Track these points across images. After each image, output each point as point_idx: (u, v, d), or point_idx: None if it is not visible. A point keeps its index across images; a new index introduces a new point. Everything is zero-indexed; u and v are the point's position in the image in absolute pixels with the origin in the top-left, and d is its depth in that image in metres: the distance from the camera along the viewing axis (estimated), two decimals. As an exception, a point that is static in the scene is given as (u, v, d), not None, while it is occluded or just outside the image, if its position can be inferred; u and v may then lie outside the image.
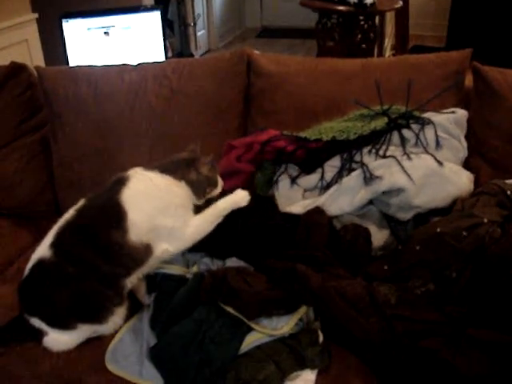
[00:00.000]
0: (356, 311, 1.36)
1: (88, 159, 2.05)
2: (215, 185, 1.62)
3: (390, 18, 5.19)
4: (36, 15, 3.39)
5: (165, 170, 1.53)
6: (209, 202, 1.59)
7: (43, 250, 1.45)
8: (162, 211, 1.47)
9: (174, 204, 1.50)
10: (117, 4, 3.65)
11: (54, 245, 1.44)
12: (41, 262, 1.45)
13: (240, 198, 1.61)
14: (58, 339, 1.47)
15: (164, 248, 1.49)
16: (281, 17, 7.50)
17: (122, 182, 1.48)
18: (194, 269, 1.57)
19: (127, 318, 1.53)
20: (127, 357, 1.44)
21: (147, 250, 1.46)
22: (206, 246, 1.60)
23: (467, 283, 1.39)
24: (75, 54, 3.03)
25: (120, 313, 1.49)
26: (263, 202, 1.75)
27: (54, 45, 3.30)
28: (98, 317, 1.46)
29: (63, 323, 1.45)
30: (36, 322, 1.45)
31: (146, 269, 1.51)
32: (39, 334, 1.45)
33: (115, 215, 1.43)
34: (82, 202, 1.51)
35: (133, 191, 1.47)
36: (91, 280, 1.42)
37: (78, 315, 1.44)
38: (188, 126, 2.03)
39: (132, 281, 1.49)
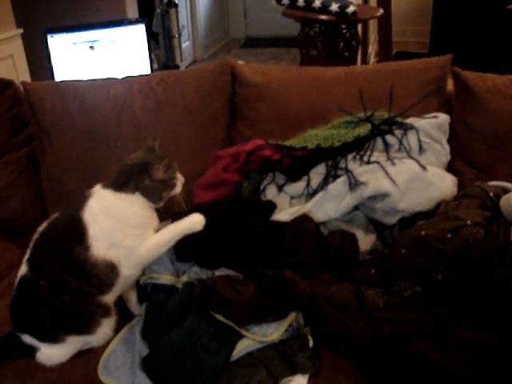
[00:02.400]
0: (345, 315, 1.38)
1: (76, 173, 2.06)
2: (173, 187, 1.59)
3: (373, 25, 5.23)
4: (21, 30, 3.40)
5: (118, 185, 1.51)
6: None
7: (23, 265, 1.48)
8: (119, 231, 1.49)
9: (129, 225, 1.50)
10: (101, 18, 3.67)
11: (29, 260, 1.48)
12: (21, 278, 1.48)
13: (195, 222, 1.58)
14: (50, 353, 1.47)
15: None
16: (265, 26, 7.52)
17: (85, 199, 1.51)
18: (184, 278, 1.58)
19: (117, 328, 1.53)
20: (120, 367, 1.44)
21: (113, 269, 1.47)
22: (194, 255, 1.62)
23: (453, 284, 1.41)
24: (61, 68, 3.03)
25: (108, 323, 1.50)
26: (252, 207, 1.76)
27: (39, 60, 3.31)
28: (85, 328, 1.47)
29: (52, 337, 1.46)
30: (27, 338, 1.46)
31: (119, 288, 1.52)
32: (31, 350, 1.46)
33: (77, 231, 1.45)
34: (55, 215, 1.55)
35: (93, 208, 1.49)
36: (65, 294, 1.44)
37: (63, 328, 1.45)
38: (174, 138, 2.03)
39: (110, 298, 1.51)
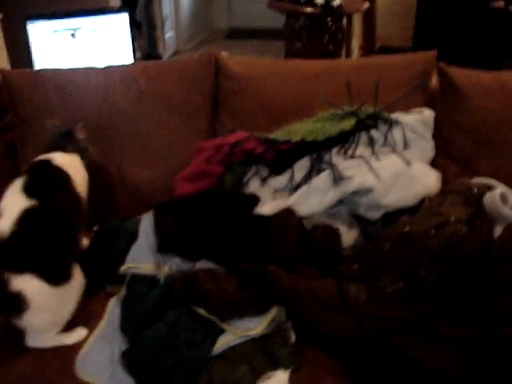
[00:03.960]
0: (327, 311, 1.38)
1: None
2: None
3: (357, 18, 5.23)
4: (0, 16, 3.34)
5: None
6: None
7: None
8: None
9: None
10: (84, 6, 3.61)
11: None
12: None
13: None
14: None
15: None
16: (249, 18, 7.50)
17: None
18: (166, 270, 1.57)
19: (94, 324, 1.52)
20: (99, 362, 1.42)
21: None
22: (176, 247, 1.61)
23: (436, 281, 1.42)
24: (41, 56, 2.98)
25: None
26: (235, 200, 1.75)
27: (18, 47, 3.26)
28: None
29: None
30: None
31: None
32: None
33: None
34: None
35: None
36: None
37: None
38: (157, 129, 2.02)
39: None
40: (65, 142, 1.76)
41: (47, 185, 1.59)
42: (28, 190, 1.51)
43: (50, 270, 1.43)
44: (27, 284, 1.38)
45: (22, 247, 1.43)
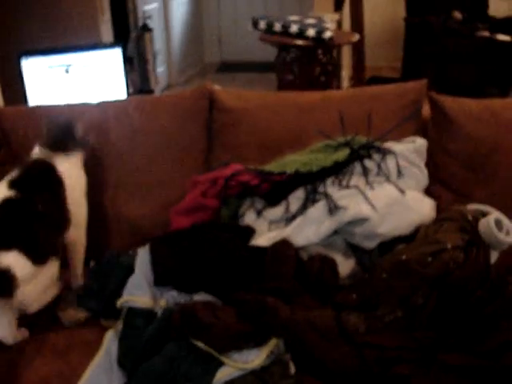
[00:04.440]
0: (326, 341, 1.37)
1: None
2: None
3: (346, 50, 5.30)
4: (-6, 52, 3.37)
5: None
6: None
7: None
8: None
9: None
10: (77, 42, 3.65)
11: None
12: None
13: None
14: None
15: None
16: (239, 51, 7.57)
17: None
18: (162, 303, 1.56)
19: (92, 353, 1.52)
20: (96, 398, 1.41)
21: None
22: (172, 280, 1.61)
23: (434, 308, 1.42)
24: (35, 92, 3.00)
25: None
26: (231, 232, 1.75)
27: (12, 83, 3.27)
28: None
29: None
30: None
31: None
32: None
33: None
34: None
35: None
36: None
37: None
38: (152, 164, 2.03)
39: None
40: (65, 141, 1.77)
41: (32, 182, 1.66)
42: (13, 183, 1.62)
43: (32, 249, 1.51)
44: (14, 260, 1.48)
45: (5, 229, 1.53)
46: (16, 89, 3.08)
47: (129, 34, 4.93)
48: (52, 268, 1.59)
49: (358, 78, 5.22)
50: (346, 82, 5.57)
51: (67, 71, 3.01)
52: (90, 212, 1.85)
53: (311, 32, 3.80)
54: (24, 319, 1.61)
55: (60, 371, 1.49)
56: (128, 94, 3.20)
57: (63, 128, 1.79)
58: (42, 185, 1.67)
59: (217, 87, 2.18)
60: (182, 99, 2.15)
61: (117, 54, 3.12)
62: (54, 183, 1.69)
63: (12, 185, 1.61)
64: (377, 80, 5.70)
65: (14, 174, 1.66)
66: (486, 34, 5.28)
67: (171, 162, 2.05)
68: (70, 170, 1.75)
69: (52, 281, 1.61)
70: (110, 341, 1.55)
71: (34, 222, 1.57)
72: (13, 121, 2.06)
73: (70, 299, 1.71)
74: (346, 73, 5.56)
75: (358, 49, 5.03)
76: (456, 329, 1.36)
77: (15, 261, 1.47)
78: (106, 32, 4.33)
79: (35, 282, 1.52)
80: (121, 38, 4.58)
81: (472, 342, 1.31)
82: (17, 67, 2.97)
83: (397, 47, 6.08)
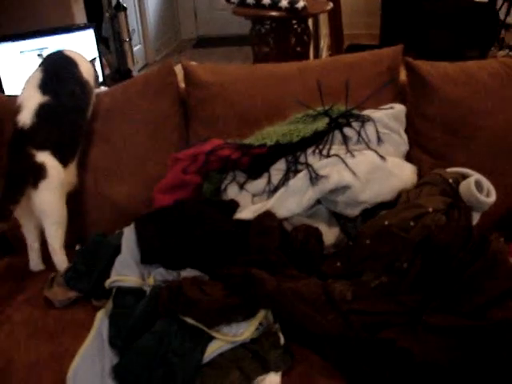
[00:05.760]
0: (314, 310, 1.38)
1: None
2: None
3: (323, 19, 5.26)
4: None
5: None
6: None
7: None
8: None
9: None
10: (48, 25, 3.59)
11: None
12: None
13: None
14: None
15: None
16: (215, 26, 7.51)
17: None
18: (150, 280, 1.57)
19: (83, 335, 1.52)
20: (89, 378, 1.40)
21: None
22: (159, 257, 1.61)
23: (418, 272, 1.43)
24: (9, 78, 2.96)
25: None
26: (214, 207, 1.75)
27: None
28: None
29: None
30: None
31: None
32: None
33: None
34: None
35: None
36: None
37: None
38: (127, 145, 2.02)
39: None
40: None
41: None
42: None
43: (61, 153, 1.81)
44: (47, 157, 1.76)
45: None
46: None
47: (102, 14, 4.85)
48: (72, 170, 1.89)
49: (337, 47, 5.20)
50: (324, 51, 5.54)
51: (40, 55, 2.97)
52: (73, 197, 1.87)
53: (284, 3, 3.77)
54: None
55: (52, 353, 1.49)
56: (104, 75, 3.17)
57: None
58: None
59: (192, 63, 2.16)
60: (149, 77, 2.15)
61: (90, 35, 3.08)
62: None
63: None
64: (355, 48, 5.68)
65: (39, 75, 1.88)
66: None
67: (147, 140, 2.04)
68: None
69: (68, 187, 1.86)
70: (101, 321, 1.56)
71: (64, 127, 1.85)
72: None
73: (59, 280, 1.71)
74: (324, 42, 5.53)
75: (335, 17, 5.00)
76: (440, 291, 1.37)
77: (48, 159, 1.76)
78: (79, 13, 4.26)
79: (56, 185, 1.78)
80: (95, 18, 4.52)
81: (456, 303, 1.33)
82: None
83: (375, 14, 6.06)
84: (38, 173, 1.73)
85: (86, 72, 1.98)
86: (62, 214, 1.80)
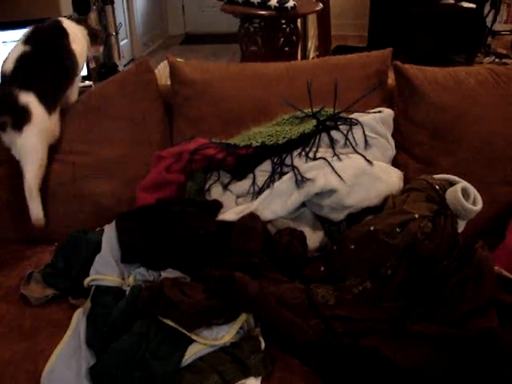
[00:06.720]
0: (296, 315, 1.36)
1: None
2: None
3: (312, 19, 5.26)
4: None
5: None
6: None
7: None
8: None
9: None
10: (34, 16, 3.54)
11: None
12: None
13: None
14: None
15: None
16: (203, 23, 7.49)
17: None
18: (131, 280, 1.54)
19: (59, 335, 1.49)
20: (65, 379, 1.37)
21: None
22: (140, 257, 1.59)
23: (403, 279, 1.42)
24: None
25: None
26: (197, 207, 1.73)
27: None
28: None
29: None
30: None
31: None
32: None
33: None
34: None
35: None
36: None
37: None
38: (108, 143, 1.99)
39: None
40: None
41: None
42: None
43: (45, 97, 1.83)
44: (31, 99, 1.79)
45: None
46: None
47: (89, 8, 4.81)
48: (55, 121, 1.92)
49: (324, 48, 5.20)
50: (312, 52, 5.54)
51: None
52: (51, 195, 1.86)
53: (273, 1, 3.75)
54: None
55: (27, 352, 1.46)
56: (89, 69, 3.13)
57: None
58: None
59: (178, 60, 2.14)
60: (127, 75, 2.13)
61: (76, 27, 3.02)
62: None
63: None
64: (343, 49, 5.69)
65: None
66: (451, 0, 5.31)
67: (128, 138, 2.01)
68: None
69: (51, 138, 1.90)
70: (79, 320, 1.53)
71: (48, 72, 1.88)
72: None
73: (36, 277, 1.68)
74: (312, 43, 5.53)
75: (324, 18, 5.00)
76: (424, 298, 1.36)
77: (32, 101, 1.79)
78: (66, 5, 4.22)
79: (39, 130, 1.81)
80: (81, 11, 4.47)
81: (439, 311, 1.32)
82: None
83: (363, 16, 6.08)
84: (23, 116, 1.77)
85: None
86: (43, 156, 1.86)
